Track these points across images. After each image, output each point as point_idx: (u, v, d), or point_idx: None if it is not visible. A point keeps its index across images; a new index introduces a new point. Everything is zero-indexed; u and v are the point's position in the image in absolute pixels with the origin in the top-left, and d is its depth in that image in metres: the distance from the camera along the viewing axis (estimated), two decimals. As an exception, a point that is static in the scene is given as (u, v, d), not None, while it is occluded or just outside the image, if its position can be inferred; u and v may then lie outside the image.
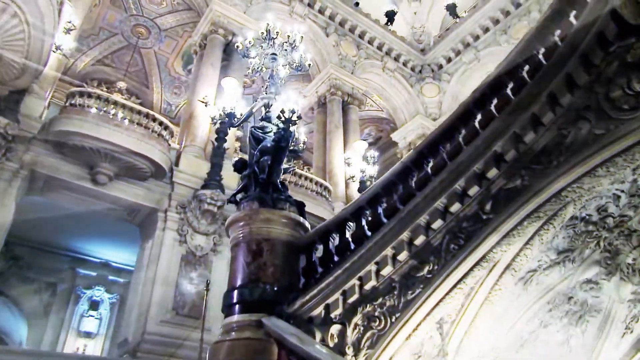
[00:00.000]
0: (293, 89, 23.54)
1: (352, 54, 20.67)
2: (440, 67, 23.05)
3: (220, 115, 13.09)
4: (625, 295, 6.31)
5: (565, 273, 5.59)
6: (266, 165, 6.03)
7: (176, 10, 17.92)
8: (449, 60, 22.79)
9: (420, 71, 23.36)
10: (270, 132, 6.65)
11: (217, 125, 12.98)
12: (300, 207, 6.12)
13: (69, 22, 10.99)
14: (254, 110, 7.35)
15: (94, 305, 15.90)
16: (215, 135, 13.10)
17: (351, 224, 5.67)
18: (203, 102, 13.48)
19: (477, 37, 21.56)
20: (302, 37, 7.72)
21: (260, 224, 5.56)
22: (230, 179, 13.12)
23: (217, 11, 16.02)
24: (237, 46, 7.97)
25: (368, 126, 25.95)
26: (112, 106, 11.18)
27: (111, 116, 11.08)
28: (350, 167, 16.19)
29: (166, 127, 12.10)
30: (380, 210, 5.44)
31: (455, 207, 4.75)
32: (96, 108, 11.02)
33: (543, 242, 4.74)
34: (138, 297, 10.72)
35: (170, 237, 11.41)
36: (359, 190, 15.79)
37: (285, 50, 7.67)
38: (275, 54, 7.71)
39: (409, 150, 22.02)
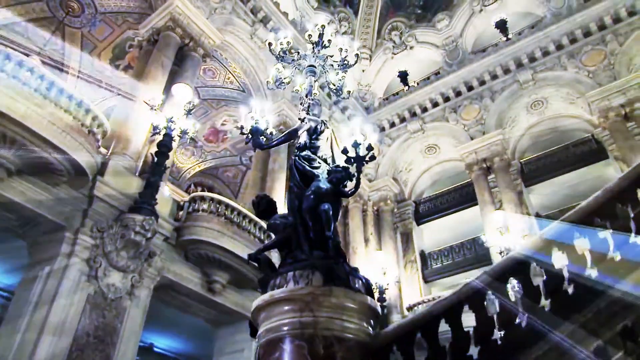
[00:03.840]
0: (225, 113, 21.61)
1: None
2: (383, 129, 22.61)
3: (166, 125, 10.96)
4: None
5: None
6: (330, 217, 4.11)
7: (124, -6, 15.23)
8: (392, 124, 22.46)
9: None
10: (318, 167, 4.77)
11: (161, 137, 10.75)
12: (368, 286, 4.20)
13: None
14: (299, 133, 5.37)
15: None
16: (156, 149, 10.63)
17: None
18: (148, 104, 10.99)
19: (425, 109, 21.57)
20: (357, 54, 6.05)
21: (331, 312, 3.56)
22: (164, 206, 10.64)
23: (178, 7, 13.77)
24: (270, 43, 6.06)
25: (295, 172, 24.49)
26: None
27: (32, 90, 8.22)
28: (293, 215, 14.34)
29: (100, 125, 9.38)
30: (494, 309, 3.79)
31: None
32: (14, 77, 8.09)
33: None
34: (13, 346, 7.54)
35: (76, 269, 8.48)
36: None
37: (331, 65, 5.96)
38: (314, 67, 5.94)
39: (343, 205, 20.80)
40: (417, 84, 22.66)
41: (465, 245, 19.93)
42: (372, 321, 3.91)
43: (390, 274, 18.00)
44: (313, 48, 5.92)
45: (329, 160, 5.03)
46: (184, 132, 11.12)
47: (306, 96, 5.72)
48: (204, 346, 13.43)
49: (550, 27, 18.65)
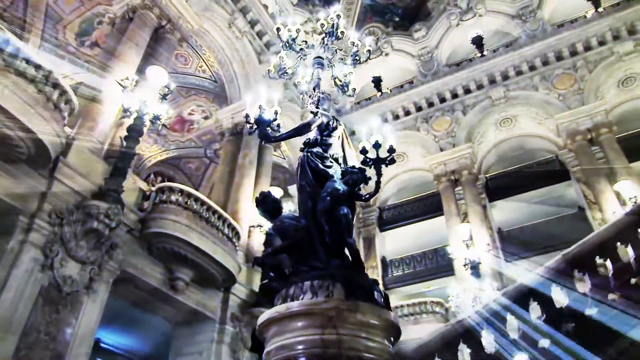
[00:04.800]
0: (195, 106, 20.76)
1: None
2: (353, 133, 22.41)
3: (138, 109, 10.24)
4: None
5: None
6: (351, 222, 3.75)
7: (98, -34, 14.28)
8: (363, 129, 22.31)
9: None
10: (331, 166, 4.40)
11: (132, 121, 10.03)
12: (387, 299, 3.83)
13: None
14: (312, 127, 4.94)
15: None
16: (125, 133, 9.90)
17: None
18: (121, 84, 10.23)
19: (396, 117, 21.59)
20: (369, 49, 5.70)
21: (356, 330, 3.16)
22: (130, 195, 9.93)
23: (157, -14, 13.02)
24: (278, 28, 5.61)
25: (261, 169, 23.95)
26: None
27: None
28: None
29: (68, 101, 8.59)
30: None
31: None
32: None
33: None
34: (-49, 342, 6.70)
35: (29, 257, 7.66)
36: (265, 244, 13.52)
37: (341, 59, 5.59)
38: (322, 59, 5.56)
39: (306, 208, 20.44)
40: (390, 90, 22.67)
41: (427, 255, 20.06)
42: (392, 339, 3.57)
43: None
44: (323, 39, 5.52)
45: (340, 160, 4.67)
46: (156, 118, 10.45)
47: (314, 89, 5.32)
48: (160, 345, 12.70)
49: (524, 47, 19.08)
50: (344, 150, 4.81)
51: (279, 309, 3.37)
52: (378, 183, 4.21)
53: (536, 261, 17.64)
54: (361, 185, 4.28)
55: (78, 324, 7.96)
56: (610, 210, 14.61)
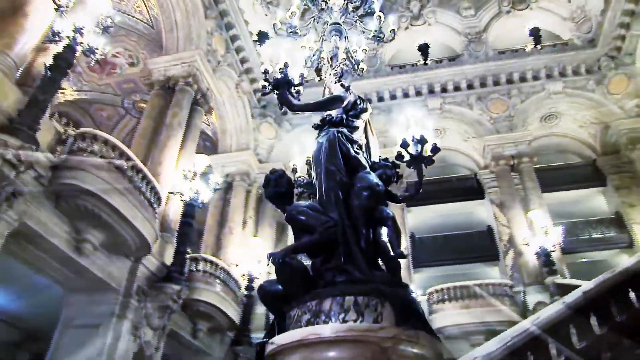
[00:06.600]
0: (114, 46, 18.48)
1: (221, 53, 17.48)
2: (285, 113, 21.62)
3: (71, 35, 8.63)
4: None
5: None
6: (399, 228, 3.12)
7: None
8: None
9: (264, 107, 21.44)
10: (359, 154, 3.71)
11: (62, 49, 8.44)
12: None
13: None
14: (343, 104, 4.13)
15: None
16: (50, 61, 8.30)
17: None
18: (56, 2, 8.52)
19: (333, 106, 21.17)
20: (394, 29, 5.05)
21: None
22: (44, 135, 8.37)
23: None
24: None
25: (180, 132, 22.18)
26: None
27: None
28: (186, 181, 12.63)
29: (-14, 6, 6.89)
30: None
31: None
32: None
33: None
34: None
35: None
36: (184, 215, 12.39)
37: (363, 32, 4.88)
38: (340, 25, 4.81)
39: (227, 180, 19.24)
40: (331, 78, 22.15)
41: (338, 250, 19.99)
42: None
43: (264, 263, 17.17)
44: (346, 4, 4.79)
45: (364, 148, 4.00)
46: (90, 51, 8.91)
47: (331, 59, 4.57)
48: (47, 314, 11.02)
49: (466, 65, 19.65)
50: (367, 138, 4.15)
51: (320, 330, 2.63)
52: (420, 184, 3.63)
53: (444, 271, 18.43)
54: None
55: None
56: (520, 235, 15.53)
